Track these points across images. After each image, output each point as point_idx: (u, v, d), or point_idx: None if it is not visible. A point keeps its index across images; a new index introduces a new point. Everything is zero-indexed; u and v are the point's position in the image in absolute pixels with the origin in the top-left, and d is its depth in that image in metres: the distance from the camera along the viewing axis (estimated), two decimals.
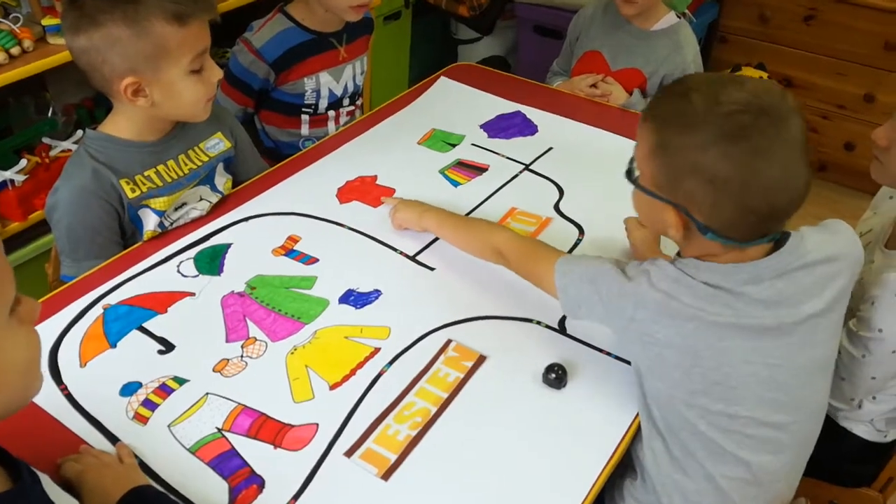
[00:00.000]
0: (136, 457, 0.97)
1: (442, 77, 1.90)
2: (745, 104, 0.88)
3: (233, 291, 1.23)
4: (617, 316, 1.00)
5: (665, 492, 1.04)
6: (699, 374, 0.95)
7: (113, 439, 0.99)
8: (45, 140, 1.90)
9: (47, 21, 1.73)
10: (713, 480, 1.00)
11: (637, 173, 1.00)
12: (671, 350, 0.95)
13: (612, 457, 1.01)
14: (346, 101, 1.85)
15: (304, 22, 1.72)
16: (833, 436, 1.11)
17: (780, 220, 0.94)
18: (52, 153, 1.88)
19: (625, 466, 1.10)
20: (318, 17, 1.72)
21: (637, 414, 1.06)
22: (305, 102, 1.77)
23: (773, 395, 0.97)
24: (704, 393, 0.96)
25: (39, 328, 1.12)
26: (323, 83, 1.77)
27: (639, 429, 1.05)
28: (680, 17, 1.87)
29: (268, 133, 1.84)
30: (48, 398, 1.03)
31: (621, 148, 1.63)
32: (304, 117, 1.80)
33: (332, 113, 1.83)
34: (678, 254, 1.04)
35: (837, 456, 1.23)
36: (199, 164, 1.39)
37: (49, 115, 1.94)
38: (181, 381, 1.07)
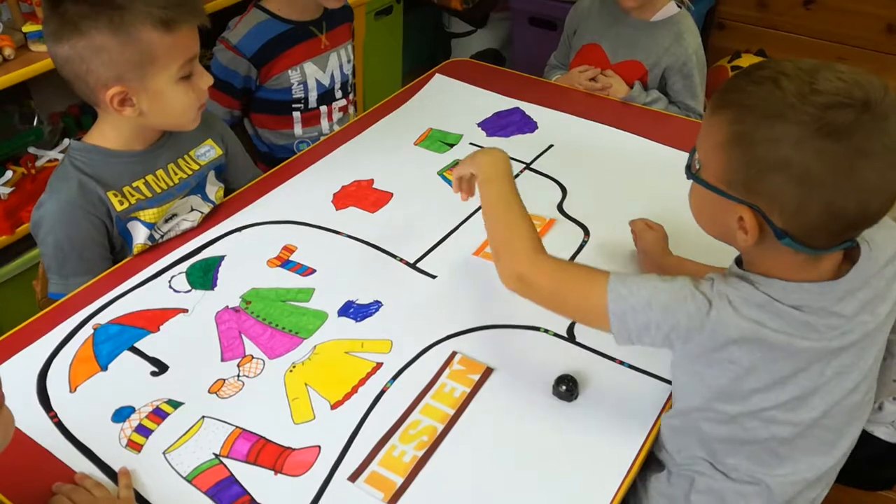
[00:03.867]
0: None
1: (437, 74, 1.85)
2: (847, 95, 0.78)
3: (227, 306, 1.18)
4: (695, 344, 0.89)
5: (695, 487, 1.00)
6: (779, 389, 0.90)
7: (106, 469, 0.95)
8: (31, 150, 1.85)
9: (28, 28, 1.68)
10: (761, 483, 0.96)
11: (698, 167, 0.89)
12: (754, 373, 0.89)
13: (629, 470, 0.97)
14: (337, 94, 1.80)
15: (280, 13, 1.68)
16: None
17: (864, 228, 0.85)
18: (39, 163, 1.83)
19: (647, 460, 1.06)
20: (294, 6, 1.69)
21: (654, 424, 1.02)
22: (294, 97, 1.73)
23: (839, 398, 0.93)
24: (778, 407, 0.91)
25: (28, 351, 1.10)
26: (308, 74, 1.72)
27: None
28: (680, 7, 1.82)
29: (261, 137, 1.79)
30: (38, 428, 0.99)
31: (624, 143, 1.62)
32: (296, 115, 1.75)
33: (324, 109, 1.79)
34: (737, 263, 0.94)
35: (858, 459, 1.19)
36: (190, 173, 1.34)
37: (34, 124, 1.89)
38: (175, 405, 1.03)
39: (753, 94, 0.82)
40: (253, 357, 1.10)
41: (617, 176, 1.51)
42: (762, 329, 0.86)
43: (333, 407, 1.03)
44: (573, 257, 1.30)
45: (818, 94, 0.78)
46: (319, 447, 0.98)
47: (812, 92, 0.78)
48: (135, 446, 0.97)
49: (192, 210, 1.35)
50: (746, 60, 2.74)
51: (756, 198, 0.83)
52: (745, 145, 0.82)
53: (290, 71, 1.70)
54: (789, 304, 0.86)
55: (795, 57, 2.88)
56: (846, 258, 0.90)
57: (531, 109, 1.72)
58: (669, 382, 1.07)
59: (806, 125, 0.78)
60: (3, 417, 0.71)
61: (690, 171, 0.91)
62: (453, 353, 1.11)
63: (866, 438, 1.21)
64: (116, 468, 0.94)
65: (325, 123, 1.81)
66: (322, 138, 1.66)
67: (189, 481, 0.93)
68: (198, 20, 1.21)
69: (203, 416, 1.01)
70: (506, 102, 1.74)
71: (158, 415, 1.01)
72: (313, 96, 1.76)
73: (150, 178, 1.29)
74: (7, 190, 1.75)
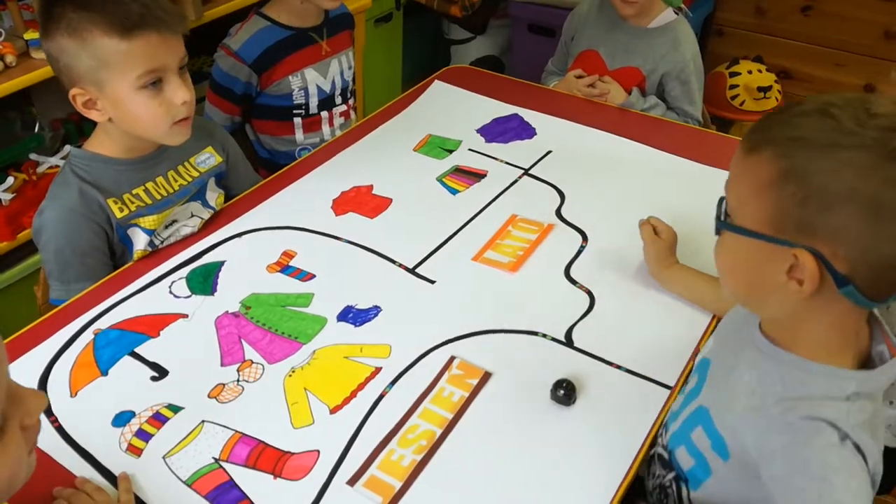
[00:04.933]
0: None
1: (436, 81, 1.86)
2: None
3: (227, 311, 1.19)
4: None
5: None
6: None
7: (106, 473, 0.95)
8: (32, 156, 1.86)
9: (30, 35, 1.69)
10: None
11: (730, 217, 0.80)
12: None
13: (627, 474, 0.97)
14: (337, 100, 1.82)
15: (281, 20, 1.70)
16: None
17: None
18: (40, 170, 1.84)
19: (640, 479, 1.06)
20: (294, 13, 1.70)
21: (652, 428, 1.02)
22: (295, 103, 1.74)
23: None
24: None
25: (29, 356, 1.11)
26: (309, 80, 1.74)
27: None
28: (677, 13, 1.84)
29: (262, 143, 1.81)
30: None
31: (622, 149, 1.62)
32: (297, 120, 1.77)
33: (325, 114, 1.80)
34: (760, 330, 0.86)
35: None
36: (190, 179, 1.35)
37: (35, 130, 1.90)
38: (175, 409, 1.03)
39: (801, 126, 0.74)
40: (252, 362, 1.11)
41: (615, 181, 1.52)
42: (872, 449, 0.77)
43: (332, 411, 1.03)
44: (571, 262, 1.30)
45: (878, 117, 0.71)
46: (318, 451, 0.98)
47: (871, 116, 0.71)
48: (135, 451, 0.98)
49: (193, 216, 1.36)
50: (744, 67, 2.75)
51: (813, 239, 0.72)
52: (798, 180, 0.72)
53: (290, 77, 1.72)
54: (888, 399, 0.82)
55: (794, 62, 2.87)
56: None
57: (530, 116, 1.73)
58: (666, 386, 1.08)
59: (871, 150, 0.69)
60: (31, 461, 0.72)
61: (723, 222, 0.81)
62: (452, 358, 1.11)
63: None
64: (117, 472, 0.95)
65: (326, 129, 1.82)
66: (322, 144, 1.67)
67: (189, 485, 0.94)
68: (158, 30, 1.16)
69: (203, 421, 1.02)
70: (504, 109, 1.75)
71: (158, 419, 1.02)
72: (314, 102, 1.77)
73: (149, 185, 1.30)
74: (8, 196, 1.76)
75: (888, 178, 0.69)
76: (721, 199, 0.81)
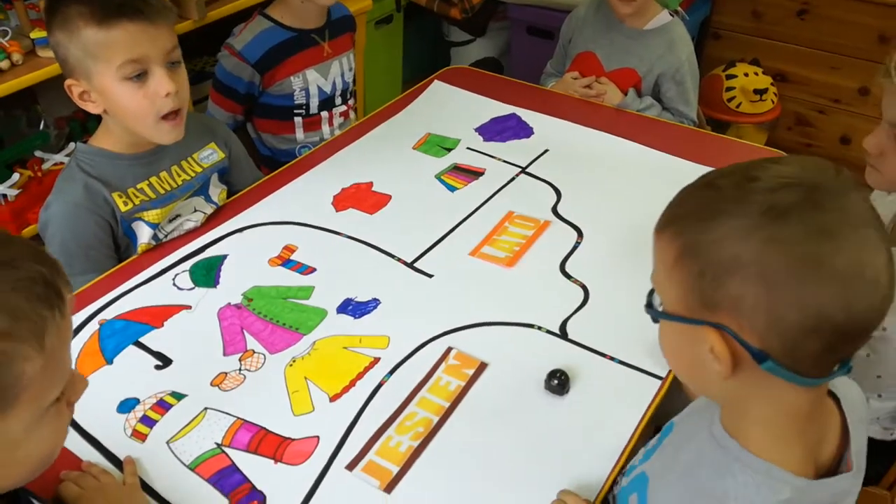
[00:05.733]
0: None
1: (435, 81, 1.89)
2: (792, 176, 0.67)
3: (229, 303, 1.21)
4: None
5: None
6: None
7: (112, 458, 0.98)
8: (38, 153, 1.88)
9: (36, 34, 1.71)
10: None
11: (659, 302, 0.77)
12: None
13: (617, 462, 0.99)
14: (338, 100, 1.84)
15: (284, 21, 1.73)
16: None
17: (858, 338, 0.68)
18: (45, 166, 1.86)
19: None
20: (297, 14, 1.73)
21: (643, 417, 1.05)
22: (296, 103, 1.77)
23: None
24: None
25: None
26: (311, 80, 1.76)
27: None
28: (673, 16, 1.86)
29: (263, 141, 1.83)
30: None
31: (617, 148, 1.65)
32: (298, 120, 1.80)
33: (325, 114, 1.83)
34: (721, 424, 0.77)
35: None
36: (193, 175, 1.38)
37: (41, 128, 1.93)
38: (179, 397, 1.06)
39: (689, 201, 0.73)
40: (254, 352, 1.13)
41: (610, 180, 1.55)
42: None
43: (332, 399, 1.06)
44: (567, 257, 1.33)
45: (757, 180, 0.68)
46: (318, 437, 1.01)
47: (750, 180, 0.68)
48: (139, 436, 1.01)
49: (196, 211, 1.38)
50: (741, 69, 2.78)
51: (718, 314, 0.68)
52: (692, 256, 0.70)
53: (292, 77, 1.74)
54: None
55: (790, 65, 2.86)
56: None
57: (527, 115, 1.75)
58: (657, 377, 1.10)
59: (749, 214, 0.66)
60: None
61: (652, 309, 0.77)
62: (449, 349, 1.14)
63: None
64: (122, 457, 0.98)
65: (325, 128, 1.85)
66: (321, 143, 1.70)
67: (192, 469, 0.97)
68: (138, 19, 1.17)
69: (205, 408, 1.04)
70: (502, 108, 1.78)
71: (162, 406, 1.04)
72: (314, 102, 1.80)
73: (153, 179, 1.33)
74: (14, 192, 1.78)
75: (769, 238, 0.65)
76: (651, 291, 0.78)
